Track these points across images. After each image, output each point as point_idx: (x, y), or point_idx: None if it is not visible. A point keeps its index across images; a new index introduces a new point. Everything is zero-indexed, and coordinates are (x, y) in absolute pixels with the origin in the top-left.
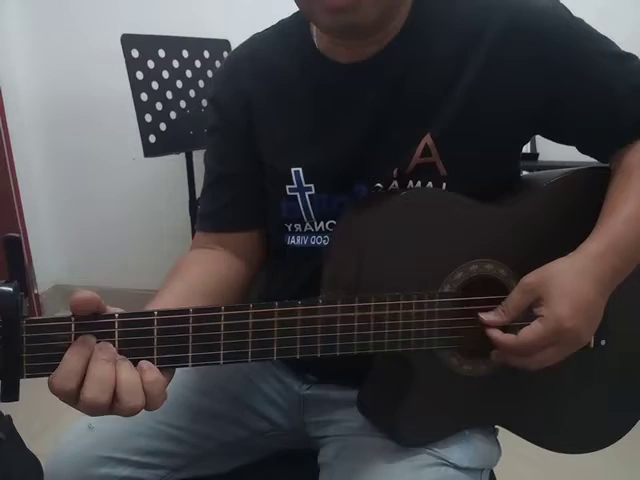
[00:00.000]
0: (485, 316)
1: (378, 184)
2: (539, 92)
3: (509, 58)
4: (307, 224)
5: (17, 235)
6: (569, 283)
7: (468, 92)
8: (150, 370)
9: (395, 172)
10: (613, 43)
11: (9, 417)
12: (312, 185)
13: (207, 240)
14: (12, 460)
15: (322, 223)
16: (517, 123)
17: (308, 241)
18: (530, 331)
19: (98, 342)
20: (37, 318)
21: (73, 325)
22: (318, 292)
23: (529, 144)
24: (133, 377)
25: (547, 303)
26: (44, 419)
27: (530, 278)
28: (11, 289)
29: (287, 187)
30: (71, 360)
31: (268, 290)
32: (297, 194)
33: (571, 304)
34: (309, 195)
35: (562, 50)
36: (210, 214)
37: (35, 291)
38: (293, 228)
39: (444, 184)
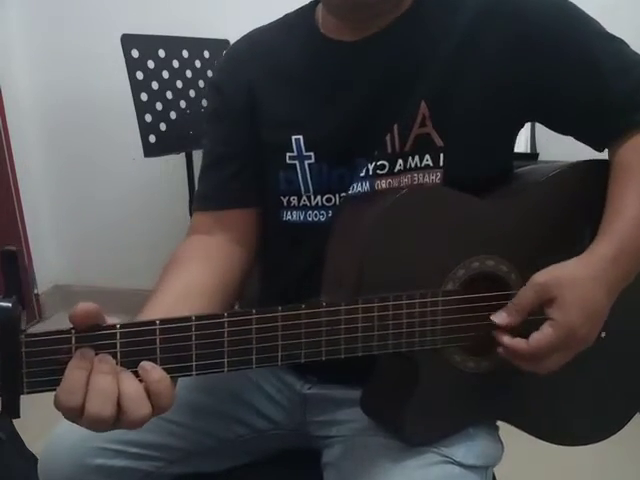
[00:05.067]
0: (497, 318)
1: (382, 161)
2: (526, 70)
3: (496, 34)
4: (304, 197)
5: (14, 248)
6: (583, 289)
7: (455, 60)
8: (154, 369)
9: (397, 144)
10: (601, 26)
11: None
12: (312, 153)
13: (206, 222)
14: (12, 460)
15: (319, 197)
16: (507, 100)
17: (305, 217)
18: (542, 336)
19: (97, 354)
20: (36, 332)
21: (73, 338)
22: (316, 278)
23: (529, 144)
24: (136, 386)
25: (560, 307)
26: (44, 419)
27: (544, 277)
28: (10, 304)
29: (287, 155)
30: (72, 375)
31: (265, 275)
32: (296, 162)
33: (584, 312)
34: (308, 164)
35: (549, 29)
36: (210, 193)
37: (35, 291)
38: (289, 202)
39: (441, 155)
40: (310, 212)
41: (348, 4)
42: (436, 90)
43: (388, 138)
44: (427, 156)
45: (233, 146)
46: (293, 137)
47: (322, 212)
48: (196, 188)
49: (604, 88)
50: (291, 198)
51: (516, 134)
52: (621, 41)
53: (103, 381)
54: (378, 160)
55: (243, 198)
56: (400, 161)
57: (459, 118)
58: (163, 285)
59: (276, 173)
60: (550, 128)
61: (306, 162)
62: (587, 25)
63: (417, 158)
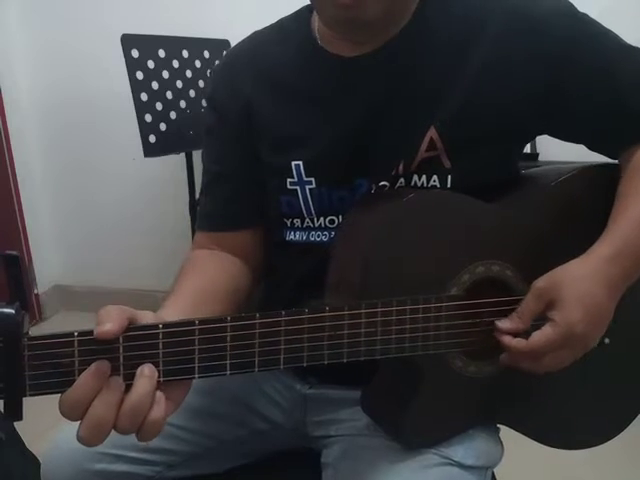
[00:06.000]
0: (502, 324)
1: (384, 182)
2: (541, 83)
3: (512, 49)
4: (307, 219)
5: (15, 253)
6: (581, 287)
7: (472, 83)
8: (158, 406)
9: (401, 167)
10: (617, 35)
11: None
12: (312, 179)
13: (207, 240)
14: (12, 460)
15: (322, 219)
16: (521, 115)
17: (307, 237)
18: (542, 335)
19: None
20: (39, 335)
21: (76, 341)
22: (317, 287)
23: (529, 144)
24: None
25: (560, 307)
26: (45, 419)
27: (542, 282)
28: (13, 311)
29: (288, 180)
30: (81, 391)
31: (268, 283)
32: (297, 188)
33: (583, 309)
34: (309, 189)
35: (563, 41)
36: (207, 214)
37: (35, 291)
38: (292, 223)
39: (449, 176)
40: (313, 232)
41: (342, 20)
42: (449, 112)
43: (391, 161)
44: (434, 177)
45: (229, 165)
46: (293, 163)
47: (325, 233)
48: (197, 191)
49: (621, 96)
50: (294, 220)
51: (525, 145)
52: (637, 49)
53: (102, 411)
54: (379, 181)
55: (241, 220)
56: (402, 180)
57: (473, 140)
58: (182, 286)
59: (278, 196)
60: (563, 139)
61: (307, 187)
62: (604, 35)
63: (424, 178)
